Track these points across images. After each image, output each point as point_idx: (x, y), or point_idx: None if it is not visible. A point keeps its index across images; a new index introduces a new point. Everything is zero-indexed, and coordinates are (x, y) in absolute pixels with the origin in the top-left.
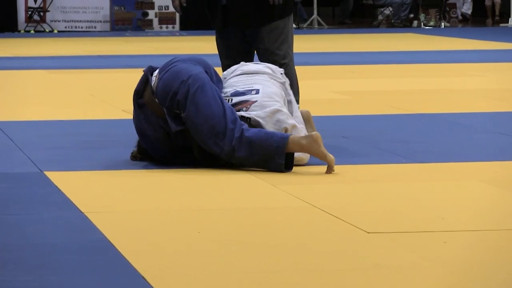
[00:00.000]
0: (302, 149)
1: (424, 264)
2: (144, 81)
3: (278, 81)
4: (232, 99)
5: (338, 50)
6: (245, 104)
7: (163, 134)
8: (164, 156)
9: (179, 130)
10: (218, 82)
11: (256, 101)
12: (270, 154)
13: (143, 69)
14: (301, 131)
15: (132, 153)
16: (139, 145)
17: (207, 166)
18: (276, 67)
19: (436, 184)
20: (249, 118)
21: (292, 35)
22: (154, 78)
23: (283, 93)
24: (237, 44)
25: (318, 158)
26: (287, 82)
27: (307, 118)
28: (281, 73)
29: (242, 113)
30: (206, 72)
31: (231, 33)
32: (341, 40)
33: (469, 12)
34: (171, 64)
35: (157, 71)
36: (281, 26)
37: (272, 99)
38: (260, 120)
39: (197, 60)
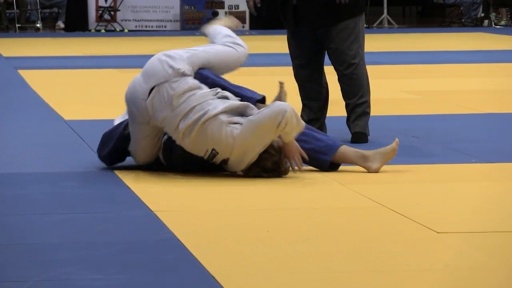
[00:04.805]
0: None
1: (494, 264)
2: None
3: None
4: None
5: (408, 50)
6: None
7: None
8: None
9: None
10: (217, 78)
11: None
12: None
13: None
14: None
15: None
16: None
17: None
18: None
19: (506, 184)
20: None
21: (363, 35)
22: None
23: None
24: (309, 43)
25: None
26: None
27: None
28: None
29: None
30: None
31: (302, 32)
32: (411, 40)
33: None
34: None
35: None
36: (351, 25)
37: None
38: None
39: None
